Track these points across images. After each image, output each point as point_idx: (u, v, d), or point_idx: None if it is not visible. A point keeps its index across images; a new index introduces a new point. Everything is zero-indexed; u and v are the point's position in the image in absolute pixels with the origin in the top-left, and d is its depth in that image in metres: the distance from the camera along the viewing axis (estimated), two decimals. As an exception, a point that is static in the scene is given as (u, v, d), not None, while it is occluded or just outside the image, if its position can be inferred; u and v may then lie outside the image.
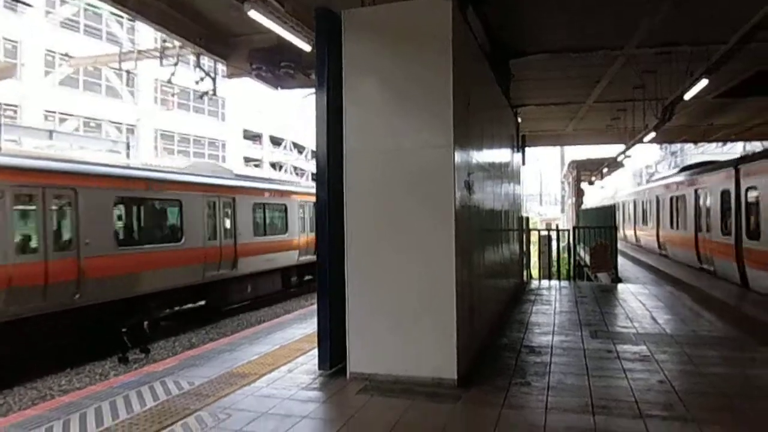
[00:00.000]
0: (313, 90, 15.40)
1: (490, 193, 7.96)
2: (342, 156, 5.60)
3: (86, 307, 11.18)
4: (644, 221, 22.31)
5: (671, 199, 17.66)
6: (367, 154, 5.50)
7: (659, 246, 19.57)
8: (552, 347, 6.98)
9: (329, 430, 4.40)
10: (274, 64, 12.37)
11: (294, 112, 41.27)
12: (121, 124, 32.53)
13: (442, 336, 5.32)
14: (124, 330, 11.49)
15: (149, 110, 34.11)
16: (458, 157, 5.44)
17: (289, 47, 11.94)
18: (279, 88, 14.24)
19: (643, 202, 22.55)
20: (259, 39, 12.35)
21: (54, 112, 28.97)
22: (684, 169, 19.31)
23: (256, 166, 43.69)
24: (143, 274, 12.56)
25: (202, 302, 14.60)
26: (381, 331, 5.50)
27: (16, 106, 27.04)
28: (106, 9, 31.04)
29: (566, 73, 12.85)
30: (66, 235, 10.99)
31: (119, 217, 12.57)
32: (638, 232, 23.74)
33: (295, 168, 48.11)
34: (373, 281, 5.53)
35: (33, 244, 10.38)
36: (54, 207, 10.77)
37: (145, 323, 12.33)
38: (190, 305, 14.24)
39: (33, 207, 10.39)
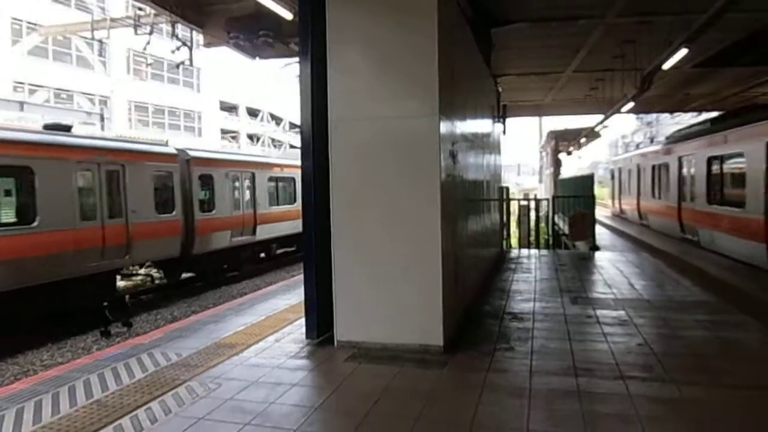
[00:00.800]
0: (291, 60, 15.28)
1: (473, 164, 8.00)
2: (326, 126, 5.56)
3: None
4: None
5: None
6: (352, 124, 5.47)
7: None
8: (534, 313, 7.12)
9: (319, 398, 4.46)
10: (252, 33, 12.12)
11: (271, 82, 40.63)
12: (93, 95, 31.75)
13: (428, 303, 5.39)
14: (105, 304, 11.39)
15: (122, 81, 33.30)
16: (443, 126, 5.44)
17: (268, 15, 11.71)
18: (257, 57, 13.99)
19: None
20: (236, 7, 12.08)
21: (23, 83, 28.15)
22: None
23: (233, 137, 43.13)
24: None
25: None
26: (367, 300, 5.56)
27: (-17, 77, 26.22)
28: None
29: (546, 42, 12.83)
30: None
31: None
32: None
33: (273, 140, 47.60)
34: (359, 250, 5.56)
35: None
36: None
37: (127, 297, 12.25)
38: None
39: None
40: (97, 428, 3.98)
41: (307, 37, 5.60)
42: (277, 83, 39.25)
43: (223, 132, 42.52)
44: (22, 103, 15.86)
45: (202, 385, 4.73)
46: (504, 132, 13.21)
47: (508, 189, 15.54)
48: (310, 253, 5.77)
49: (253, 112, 47.28)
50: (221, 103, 42.50)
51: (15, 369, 9.61)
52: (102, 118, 17.84)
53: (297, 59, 15.12)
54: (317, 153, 5.62)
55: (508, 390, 4.56)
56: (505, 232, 14.00)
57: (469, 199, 7.52)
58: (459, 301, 6.40)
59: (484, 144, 9.62)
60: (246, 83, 42.60)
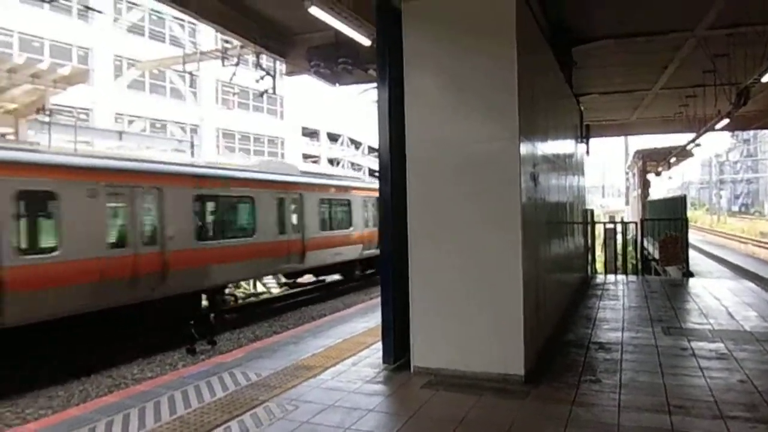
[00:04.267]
0: (370, 85, 15.54)
1: (555, 186, 7.75)
2: (404, 150, 5.56)
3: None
4: None
5: None
6: (430, 148, 5.44)
7: None
8: (622, 344, 6.73)
9: (395, 424, 4.38)
10: (332, 61, 12.45)
11: (350, 108, 41.56)
12: (184, 124, 33.68)
13: (509, 331, 5.21)
14: (191, 322, 11.86)
15: (211, 110, 35.14)
16: (523, 148, 5.30)
17: (347, 43, 12.01)
18: (337, 84, 14.34)
19: None
20: (317, 36, 12.47)
21: (123, 114, 30.28)
22: None
23: (314, 162, 44.30)
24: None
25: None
26: (445, 326, 5.45)
27: (88, 109, 28.41)
28: (169, 13, 32.25)
29: (632, 58, 12.34)
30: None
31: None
32: None
33: (353, 164, 48.49)
34: (436, 275, 5.47)
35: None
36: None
37: (211, 316, 12.69)
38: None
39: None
40: (180, 445, 4.09)
41: (384, 64, 5.66)
42: (355, 108, 40.14)
43: (305, 156, 43.80)
44: (120, 133, 17.04)
45: (280, 406, 4.77)
46: (588, 152, 12.77)
47: (592, 212, 14.95)
48: (387, 277, 5.75)
49: (333, 137, 48.46)
50: (303, 128, 43.88)
51: (108, 381, 10.13)
52: (192, 146, 18.83)
53: (375, 85, 15.43)
54: (395, 177, 5.62)
55: (595, 426, 4.29)
56: (590, 257, 13.43)
57: (551, 222, 7.28)
58: (541, 329, 6.16)
59: (567, 165, 9.32)
60: (326, 109, 43.81)
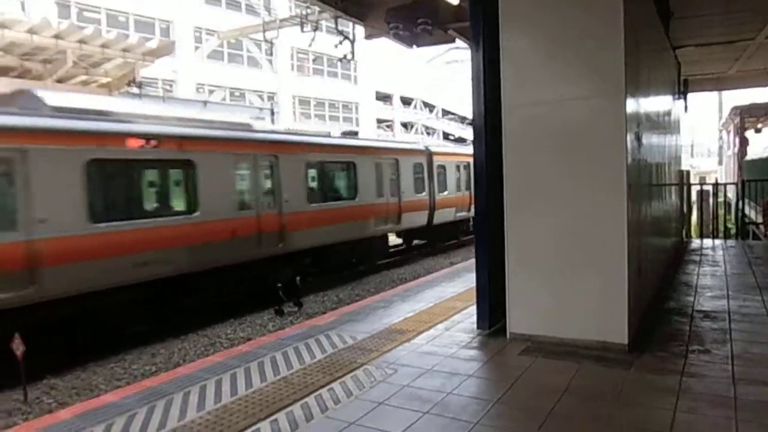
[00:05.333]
0: (449, 46, 15.15)
1: (655, 145, 7.31)
2: (498, 113, 5.38)
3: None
4: None
5: None
6: (528, 108, 5.23)
7: None
8: (729, 312, 6.36)
9: (496, 391, 4.35)
10: (411, 22, 12.18)
11: (423, 70, 40.97)
12: (262, 92, 34.33)
13: (611, 297, 5.01)
14: (279, 285, 12.25)
15: (287, 77, 35.59)
16: (628, 106, 5.00)
17: (426, 3, 11.72)
18: (414, 46, 14.06)
19: None
20: (395, -3, 12.23)
21: (203, 84, 31.19)
22: None
23: (388, 126, 44.23)
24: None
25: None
26: (543, 291, 5.32)
27: (171, 80, 29.47)
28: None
29: (734, 5, 11.34)
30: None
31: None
32: None
33: (426, 127, 48.03)
34: (534, 239, 5.32)
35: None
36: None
37: (297, 278, 13.05)
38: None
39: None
40: (286, 404, 4.24)
41: (478, 22, 5.46)
42: (428, 71, 39.51)
43: (379, 121, 43.77)
44: (205, 102, 17.55)
45: (379, 369, 4.84)
46: (685, 109, 11.99)
47: (688, 173, 14.12)
48: (482, 240, 5.66)
49: (406, 101, 48.08)
50: (376, 93, 43.74)
51: (204, 341, 10.67)
52: (272, 113, 19.17)
53: (454, 45, 15.03)
54: (490, 139, 5.46)
55: (709, 398, 4.08)
56: (685, 220, 12.74)
57: (650, 185, 6.90)
58: (641, 296, 5.90)
59: (665, 124, 8.78)
60: (399, 72, 43.39)
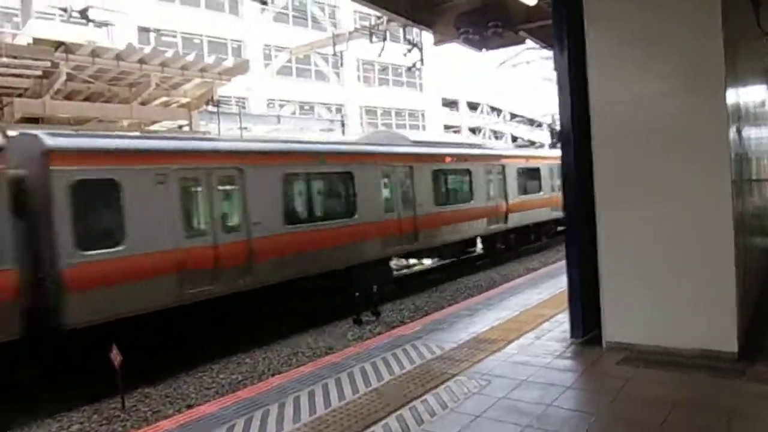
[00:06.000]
0: (521, 47, 14.88)
1: (753, 138, 6.87)
2: (586, 112, 5.19)
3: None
4: None
5: None
6: (619, 106, 5.02)
7: None
8: None
9: (598, 404, 4.17)
10: (481, 25, 12.04)
11: (489, 74, 40.46)
12: (330, 104, 34.94)
13: (717, 302, 4.71)
14: (357, 294, 12.32)
15: (354, 89, 36.08)
16: (729, 97, 4.70)
17: (497, 5, 11.55)
18: (484, 49, 13.90)
19: None
20: (464, 2, 12.15)
21: (274, 100, 32.06)
22: None
23: (455, 132, 43.94)
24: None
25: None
26: (641, 297, 5.07)
27: (244, 98, 30.47)
28: (311, -2, 33.44)
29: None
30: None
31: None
32: None
33: (494, 131, 47.38)
34: (630, 241, 5.09)
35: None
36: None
37: (375, 287, 13.10)
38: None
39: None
40: (381, 416, 4.22)
41: (561, 22, 5.30)
42: (495, 74, 38.98)
43: (446, 127, 43.56)
44: (278, 117, 18.01)
45: (471, 380, 4.75)
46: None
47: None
48: (574, 244, 5.46)
49: (472, 106, 47.62)
50: (442, 99, 43.58)
51: (287, 350, 10.86)
52: (342, 125, 19.45)
53: (525, 47, 14.74)
54: (578, 140, 5.28)
55: (840, 411, 3.75)
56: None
57: (750, 180, 6.48)
58: (748, 299, 5.52)
59: (759, 115, 8.23)
60: (464, 77, 43.06)
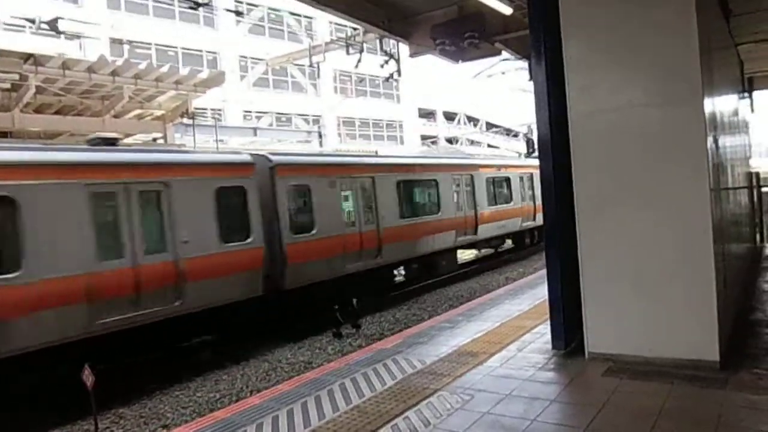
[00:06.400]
0: (497, 58, 14.97)
1: (727, 147, 6.94)
2: (564, 123, 5.18)
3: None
4: None
5: None
6: (597, 116, 5.02)
7: None
8: (826, 323, 5.91)
9: (585, 417, 4.09)
10: (457, 37, 12.07)
11: (465, 84, 40.78)
12: (307, 115, 34.83)
13: (699, 311, 4.70)
14: (336, 307, 12.17)
15: (332, 100, 36.06)
16: (706, 107, 4.72)
17: (473, 17, 11.61)
18: (460, 60, 13.93)
19: None
20: (440, 13, 12.17)
21: (251, 112, 31.85)
22: None
23: (432, 143, 44.12)
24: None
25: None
26: (623, 307, 5.04)
27: (219, 109, 30.20)
28: (286, 9, 33.34)
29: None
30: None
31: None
32: None
33: (471, 141, 47.68)
34: (610, 251, 5.07)
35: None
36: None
37: (354, 300, 12.96)
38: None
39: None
40: (363, 435, 4.10)
41: (538, 31, 5.29)
42: (471, 85, 39.31)
43: (423, 137, 43.72)
44: (255, 129, 17.85)
45: (454, 395, 4.66)
46: (752, 109, 11.43)
47: (758, 174, 13.43)
48: (553, 253, 5.42)
49: (449, 116, 47.91)
50: (419, 110, 43.77)
51: (266, 365, 10.63)
52: (320, 135, 19.35)
53: (501, 58, 14.84)
54: (556, 150, 5.26)
55: (823, 420, 3.74)
56: (759, 225, 12.10)
57: (726, 189, 6.53)
58: (727, 307, 5.53)
59: (732, 124, 8.36)
60: (441, 88, 43.33)
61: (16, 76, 10.73)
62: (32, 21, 13.52)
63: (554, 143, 5.29)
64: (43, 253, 7.54)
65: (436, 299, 15.00)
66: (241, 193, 10.23)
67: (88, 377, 6.81)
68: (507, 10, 7.89)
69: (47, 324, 7.56)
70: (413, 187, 15.85)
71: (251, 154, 11.16)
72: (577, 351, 5.37)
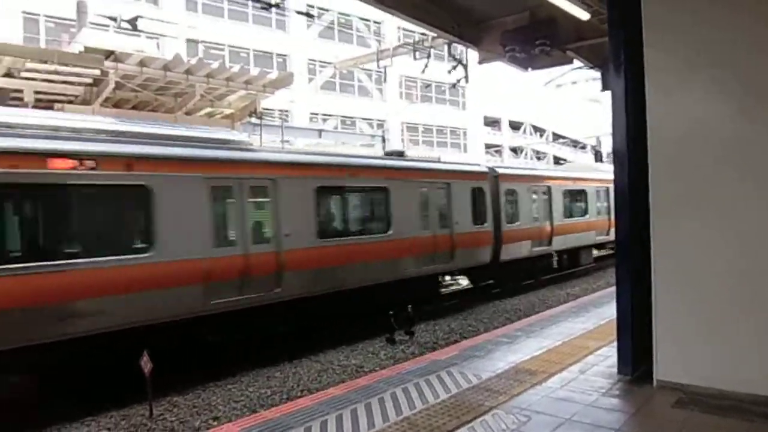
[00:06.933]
0: (568, 68, 14.54)
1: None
2: (643, 134, 4.88)
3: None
4: None
5: None
6: (680, 131, 4.71)
7: None
8: None
9: (651, 450, 3.81)
10: (528, 44, 11.76)
11: (533, 94, 39.99)
12: (372, 119, 35.05)
13: (785, 345, 4.30)
14: (391, 312, 12.08)
15: (397, 105, 36.17)
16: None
17: (545, 23, 11.29)
18: (530, 68, 13.60)
19: None
20: (511, 20, 11.91)
21: (317, 114, 32.33)
22: None
23: (496, 152, 43.51)
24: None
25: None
26: (698, 334, 4.69)
27: (287, 111, 30.78)
28: (355, 14, 33.72)
29: None
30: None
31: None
32: None
33: (536, 152, 46.70)
34: (688, 272, 4.73)
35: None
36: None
37: (409, 307, 12.83)
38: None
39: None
40: (412, 449, 3.96)
41: (618, 38, 5.02)
42: (539, 94, 38.51)
43: (487, 146, 43.16)
44: (320, 131, 18.04)
45: (510, 414, 4.45)
46: None
47: None
48: (625, 271, 5.12)
49: (515, 125, 47.11)
50: (484, 118, 43.26)
51: (317, 366, 10.64)
52: (383, 140, 19.36)
53: (572, 66, 14.39)
54: (632, 161, 4.97)
55: None
56: None
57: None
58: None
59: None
60: (508, 97, 42.70)
61: (98, 72, 11.20)
62: (114, 19, 14.15)
63: (630, 154, 5.00)
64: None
65: (492, 311, 14.65)
66: (482, 193, 14.89)
67: (146, 364, 6.99)
68: (584, 15, 7.58)
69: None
70: (574, 194, 19.89)
71: (487, 166, 16.55)
72: (644, 378, 5.04)
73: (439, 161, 16.14)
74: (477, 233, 14.50)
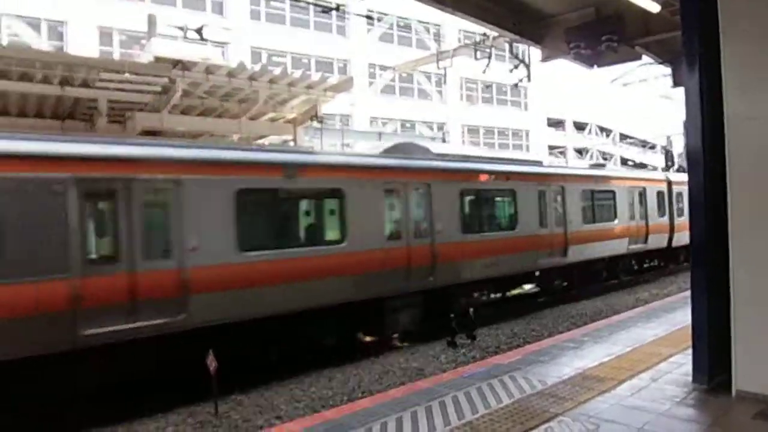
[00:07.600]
0: (634, 65, 14.02)
1: None
2: (720, 128, 4.61)
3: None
4: None
5: None
6: (759, 121, 4.41)
7: None
8: None
9: (731, 464, 3.59)
10: (594, 39, 11.41)
11: (599, 93, 38.83)
12: (431, 122, 34.94)
13: None
14: (452, 315, 11.96)
15: (457, 107, 35.92)
16: None
17: (612, 18, 10.94)
18: (595, 66, 13.21)
19: None
20: (575, 16, 11.62)
21: (377, 117, 32.53)
22: None
23: (560, 153, 42.46)
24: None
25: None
26: (783, 344, 4.38)
27: (348, 115, 31.13)
28: (415, 18, 33.74)
29: None
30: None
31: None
32: None
33: (602, 153, 45.24)
34: (770, 278, 4.42)
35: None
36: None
37: (471, 310, 12.66)
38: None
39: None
40: (475, 454, 3.88)
41: (693, 30, 4.76)
42: (605, 94, 37.35)
43: (550, 148, 42.17)
44: (379, 134, 18.11)
45: (577, 422, 4.30)
46: None
47: None
48: (700, 276, 4.85)
49: (579, 126, 45.83)
50: (548, 119, 42.30)
51: (378, 368, 10.64)
52: (443, 142, 19.25)
53: (641, 62, 13.86)
54: (708, 160, 4.70)
55: None
56: None
57: None
58: None
59: None
60: (572, 96, 41.60)
61: (166, 80, 11.65)
62: (181, 28, 14.68)
63: (706, 152, 4.73)
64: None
65: (556, 316, 14.26)
66: (662, 196, 19.06)
67: (211, 362, 7.18)
68: (654, 8, 7.28)
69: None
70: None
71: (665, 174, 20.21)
72: (722, 387, 4.75)
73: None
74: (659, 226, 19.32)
